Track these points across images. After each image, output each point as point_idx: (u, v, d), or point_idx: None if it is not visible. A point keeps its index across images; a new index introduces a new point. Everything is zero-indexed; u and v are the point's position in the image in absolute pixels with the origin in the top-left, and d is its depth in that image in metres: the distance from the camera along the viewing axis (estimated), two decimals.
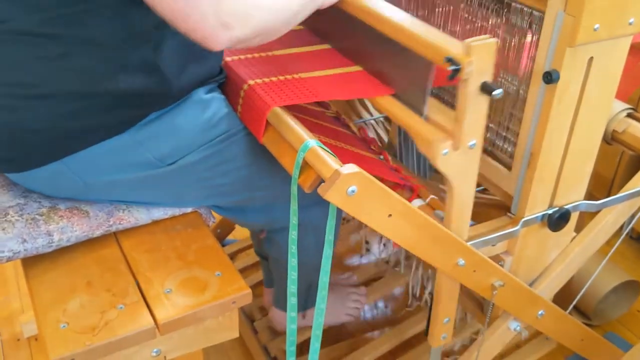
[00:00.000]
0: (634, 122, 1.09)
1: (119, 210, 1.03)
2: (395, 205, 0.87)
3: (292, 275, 0.96)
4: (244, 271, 1.69)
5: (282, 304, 1.41)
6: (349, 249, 1.80)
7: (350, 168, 0.81)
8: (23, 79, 0.91)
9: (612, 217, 1.09)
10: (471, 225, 1.02)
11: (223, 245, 1.80)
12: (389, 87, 0.99)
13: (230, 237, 1.83)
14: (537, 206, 1.02)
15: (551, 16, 0.86)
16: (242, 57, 1.12)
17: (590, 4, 0.82)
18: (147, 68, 0.93)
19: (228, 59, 1.11)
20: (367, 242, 1.71)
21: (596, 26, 0.84)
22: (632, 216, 1.13)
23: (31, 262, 0.98)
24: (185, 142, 1.00)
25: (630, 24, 0.88)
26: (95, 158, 0.96)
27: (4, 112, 0.92)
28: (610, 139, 1.10)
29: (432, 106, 0.91)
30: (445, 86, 0.95)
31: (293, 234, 0.93)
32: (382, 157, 1.20)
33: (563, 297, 1.23)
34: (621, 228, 1.14)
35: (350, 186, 0.81)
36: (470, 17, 1.02)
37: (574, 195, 1.06)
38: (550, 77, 0.87)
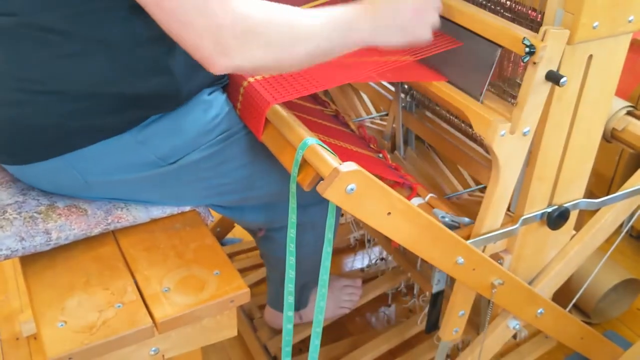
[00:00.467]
0: (633, 120, 1.08)
1: (118, 209, 1.03)
2: (394, 203, 0.87)
3: (290, 273, 0.95)
4: (243, 271, 1.69)
5: (276, 304, 1.41)
6: (349, 248, 1.80)
7: (349, 166, 0.81)
8: (33, 74, 0.90)
9: (611, 215, 1.09)
10: (470, 224, 1.02)
11: (223, 244, 1.80)
12: (443, 76, 1.00)
13: (229, 235, 1.83)
14: (536, 204, 1.02)
15: (550, 13, 0.85)
16: None
17: (590, 2, 0.82)
18: (159, 71, 0.93)
19: None
20: (369, 241, 1.71)
21: (595, 24, 0.84)
22: (632, 214, 1.12)
23: (29, 261, 0.98)
24: (187, 141, 1.00)
25: (629, 21, 0.88)
26: (97, 156, 0.96)
27: (11, 105, 0.92)
28: (610, 136, 1.10)
29: (485, 96, 0.94)
30: (503, 80, 0.97)
31: (292, 232, 0.93)
32: (381, 155, 1.19)
33: (563, 296, 1.23)
34: (621, 226, 1.14)
35: (349, 184, 0.81)
36: None
37: (573, 194, 1.05)
38: (550, 75, 0.87)
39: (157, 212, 1.06)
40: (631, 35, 0.91)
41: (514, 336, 1.22)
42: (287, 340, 0.99)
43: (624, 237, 1.21)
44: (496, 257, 1.06)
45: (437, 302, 1.17)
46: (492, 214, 0.98)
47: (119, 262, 0.99)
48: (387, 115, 1.42)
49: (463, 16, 0.94)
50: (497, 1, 0.94)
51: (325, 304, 1.45)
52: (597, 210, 1.11)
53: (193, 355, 0.99)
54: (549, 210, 1.04)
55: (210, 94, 1.03)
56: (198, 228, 1.06)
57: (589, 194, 1.11)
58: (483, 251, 1.02)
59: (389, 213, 0.87)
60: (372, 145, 1.22)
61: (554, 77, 0.85)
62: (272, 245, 1.27)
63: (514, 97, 0.91)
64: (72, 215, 1.00)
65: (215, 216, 1.22)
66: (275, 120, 0.94)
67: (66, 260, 0.98)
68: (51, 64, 0.89)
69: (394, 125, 1.31)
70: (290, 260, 0.95)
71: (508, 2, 0.93)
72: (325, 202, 0.83)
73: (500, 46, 0.90)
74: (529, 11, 0.90)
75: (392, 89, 1.32)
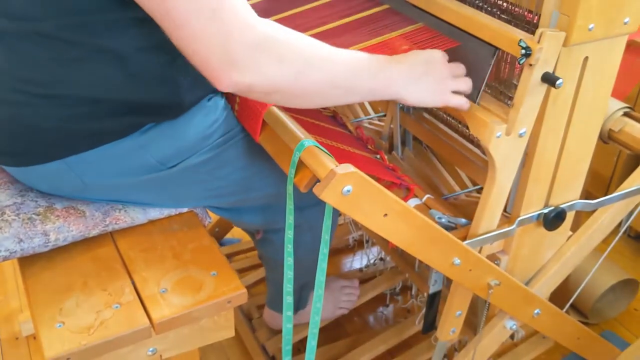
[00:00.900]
0: (630, 121, 1.08)
1: (116, 210, 1.04)
2: (391, 205, 0.87)
3: (289, 274, 0.96)
4: (241, 272, 1.69)
5: (275, 305, 1.41)
6: (347, 248, 1.80)
7: (346, 168, 0.81)
8: (37, 77, 0.90)
9: (608, 216, 1.09)
10: (466, 224, 1.03)
11: (221, 245, 1.80)
12: None
13: (228, 236, 1.84)
14: (532, 205, 1.02)
15: (546, 16, 0.86)
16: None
17: (585, 4, 0.82)
18: (163, 81, 0.93)
19: None
20: (367, 242, 1.71)
21: (591, 26, 0.85)
22: (630, 214, 1.13)
23: (28, 262, 0.98)
24: (186, 146, 1.00)
25: (625, 23, 0.88)
26: (97, 160, 0.96)
27: (13, 106, 0.92)
28: (607, 138, 1.10)
29: (482, 97, 0.95)
30: (499, 81, 0.97)
31: (289, 234, 0.93)
32: (378, 156, 1.20)
33: (560, 296, 1.23)
34: (619, 226, 1.14)
35: (346, 186, 0.82)
36: None
37: (569, 195, 1.06)
38: (545, 77, 0.87)
39: (155, 213, 1.06)
40: (627, 37, 0.92)
41: (511, 336, 1.22)
42: (287, 340, 1.00)
43: (622, 237, 1.21)
44: (493, 257, 1.06)
45: (434, 302, 1.17)
46: (489, 215, 0.99)
47: (117, 263, 0.99)
48: (384, 116, 1.42)
49: (459, 17, 0.95)
50: (493, 3, 0.95)
51: (324, 305, 1.46)
52: (594, 211, 1.11)
53: (190, 355, 1.00)
54: (546, 211, 1.04)
55: (209, 100, 1.03)
56: (196, 229, 1.06)
57: (587, 194, 1.11)
58: (479, 252, 1.02)
59: (386, 214, 0.87)
60: (369, 146, 1.23)
61: (550, 79, 0.86)
62: (270, 247, 1.27)
63: (511, 99, 0.92)
64: (70, 216, 1.00)
65: (213, 217, 1.22)
66: (273, 122, 0.95)
67: (64, 261, 0.99)
68: (54, 67, 0.89)
69: (391, 126, 1.31)
70: (289, 261, 0.95)
71: (504, 4, 0.93)
72: (322, 203, 0.84)
73: (496, 48, 0.90)
74: (525, 13, 0.91)
75: None
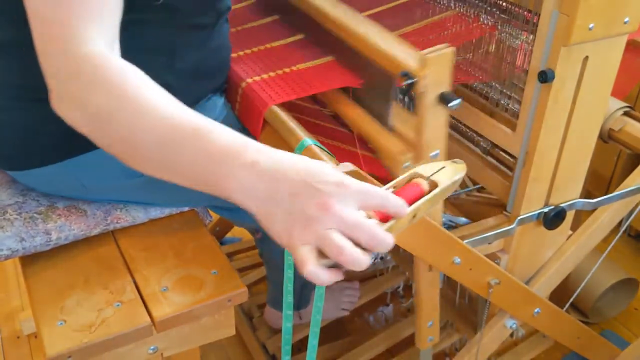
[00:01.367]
0: (630, 121, 1.09)
1: (117, 209, 1.04)
2: None
3: (289, 273, 0.96)
4: (242, 271, 1.70)
5: (276, 304, 1.42)
6: None
7: (346, 167, 0.82)
8: (33, 84, 0.90)
9: (608, 215, 1.10)
10: (467, 224, 1.03)
11: (222, 244, 1.80)
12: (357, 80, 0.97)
13: (229, 235, 1.84)
14: (532, 205, 1.03)
15: (546, 15, 0.86)
16: (241, 53, 1.12)
17: (585, 3, 0.82)
18: (158, 82, 0.93)
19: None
20: None
21: (591, 25, 0.85)
22: (630, 213, 1.13)
23: (29, 260, 0.99)
24: None
25: (625, 23, 0.88)
26: (96, 162, 0.96)
27: (11, 112, 0.92)
28: (607, 137, 1.10)
29: (399, 115, 0.88)
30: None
31: None
32: None
33: (560, 295, 1.23)
34: (619, 225, 1.14)
35: None
36: (464, 18, 1.03)
37: (569, 194, 1.06)
38: (545, 77, 0.87)
39: (156, 212, 1.06)
40: (627, 36, 0.92)
41: (511, 335, 1.22)
42: (287, 339, 1.00)
43: (622, 236, 1.22)
44: (493, 256, 1.07)
45: None
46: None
47: (118, 261, 0.99)
48: None
49: (352, 37, 0.90)
50: (493, 2, 0.95)
51: (325, 306, 1.46)
52: (594, 210, 1.11)
53: (191, 353, 1.00)
54: (546, 210, 1.04)
55: (208, 100, 1.03)
56: (196, 228, 1.07)
57: (588, 193, 1.11)
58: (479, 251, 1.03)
59: None
60: (370, 145, 1.23)
61: (445, 100, 0.80)
62: (269, 246, 1.27)
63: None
64: (71, 215, 1.00)
65: (214, 216, 1.22)
66: (273, 121, 0.95)
67: (66, 260, 0.99)
68: None
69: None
70: (289, 259, 0.95)
71: (504, 4, 0.94)
72: None
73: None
74: (525, 13, 0.91)
75: None
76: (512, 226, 1.02)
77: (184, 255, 1.01)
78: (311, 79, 1.01)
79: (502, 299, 1.09)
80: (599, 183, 1.76)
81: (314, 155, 0.85)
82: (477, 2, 0.96)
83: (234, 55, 1.11)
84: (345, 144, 1.13)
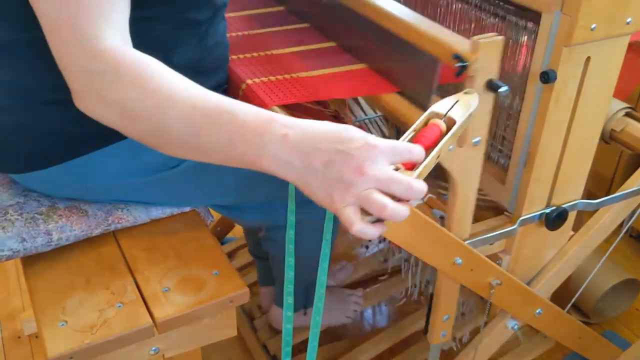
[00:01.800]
0: (632, 121, 1.09)
1: (118, 210, 1.04)
2: None
3: (289, 274, 0.96)
4: (243, 269, 1.69)
5: (282, 302, 1.41)
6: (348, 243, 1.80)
7: None
8: (38, 84, 0.90)
9: (609, 216, 1.09)
10: None
11: (223, 243, 1.80)
12: (393, 85, 0.99)
13: (230, 235, 1.84)
14: (534, 205, 1.03)
15: (548, 16, 0.86)
16: (242, 56, 1.12)
17: (587, 4, 0.82)
18: None
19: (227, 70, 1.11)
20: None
21: (593, 26, 0.84)
22: (632, 214, 1.13)
23: (30, 261, 0.99)
24: None
25: (627, 23, 0.88)
26: (98, 163, 0.96)
27: (12, 113, 0.92)
28: (609, 138, 1.10)
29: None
30: (452, 83, 0.95)
31: (290, 233, 0.93)
32: None
33: (562, 296, 1.23)
34: (620, 226, 1.14)
35: None
36: (466, 18, 1.02)
37: (571, 195, 1.06)
38: (547, 77, 0.87)
39: (157, 212, 1.06)
40: (629, 37, 0.92)
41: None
42: (287, 341, 1.00)
43: (623, 237, 1.22)
44: (494, 257, 1.07)
45: None
46: (458, 225, 0.97)
47: (119, 262, 0.99)
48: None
49: (397, 26, 0.91)
50: (496, 2, 0.94)
51: (332, 311, 1.47)
52: (596, 211, 1.11)
53: (193, 354, 1.00)
54: (547, 211, 1.04)
55: None
56: (198, 228, 1.07)
57: (589, 194, 1.11)
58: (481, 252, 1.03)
59: None
60: None
61: (493, 87, 0.82)
62: (273, 245, 1.27)
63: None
64: (72, 216, 1.00)
65: (215, 216, 1.22)
66: None
67: (67, 260, 0.99)
68: (54, 74, 0.89)
69: (387, 127, 1.31)
70: (290, 260, 0.95)
71: (506, 5, 0.93)
72: None
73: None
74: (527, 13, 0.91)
75: None
76: (513, 227, 1.02)
77: (185, 256, 1.01)
78: (315, 86, 1.01)
79: (503, 299, 1.09)
80: (600, 183, 1.76)
81: None
82: (479, 2, 0.96)
83: (234, 57, 1.11)
84: None
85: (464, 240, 0.98)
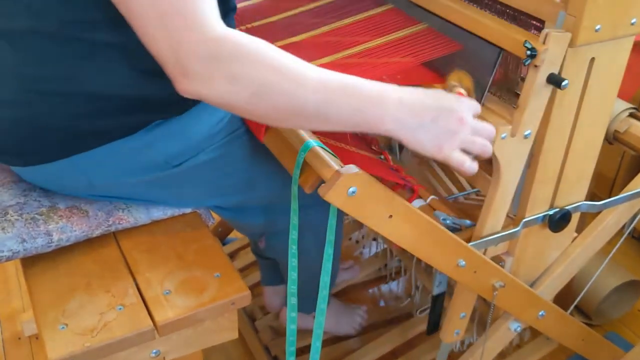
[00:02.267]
0: (635, 122, 1.08)
1: (119, 210, 1.03)
2: (395, 206, 0.87)
3: (292, 275, 0.95)
4: (244, 270, 1.69)
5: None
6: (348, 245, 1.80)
7: (351, 169, 0.81)
8: (47, 74, 0.89)
9: (613, 217, 1.09)
10: (471, 226, 1.02)
11: (224, 244, 1.80)
12: (442, 77, 0.98)
13: (231, 235, 1.83)
14: (537, 207, 1.02)
15: (552, 17, 0.85)
16: None
17: (592, 4, 0.81)
18: (167, 78, 0.93)
19: None
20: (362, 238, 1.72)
21: (598, 27, 0.84)
22: (635, 216, 1.12)
23: (30, 262, 0.98)
24: (192, 144, 1.00)
25: (632, 24, 0.88)
26: (103, 158, 0.95)
27: (21, 106, 0.92)
28: (612, 139, 1.10)
29: (487, 99, 0.94)
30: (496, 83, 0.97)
31: (293, 234, 0.93)
32: (382, 157, 1.19)
33: (564, 297, 1.22)
34: (623, 227, 1.14)
35: (351, 187, 0.81)
36: None
37: (575, 196, 1.05)
38: (554, 79, 0.87)
39: (158, 213, 1.06)
40: (634, 37, 0.91)
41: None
42: (291, 341, 0.99)
43: (626, 238, 1.21)
44: (497, 259, 1.06)
45: (438, 304, 1.17)
46: (493, 217, 0.98)
47: (120, 263, 0.99)
48: None
49: (464, 18, 0.94)
50: (502, 2, 0.94)
51: (340, 319, 1.47)
52: (599, 212, 1.11)
53: (194, 357, 1.00)
54: (551, 212, 1.03)
55: None
56: (199, 229, 1.06)
57: (592, 195, 1.10)
58: (484, 253, 1.02)
59: (391, 216, 0.87)
60: (374, 147, 1.22)
61: (555, 80, 0.85)
62: (276, 252, 1.27)
63: (517, 99, 0.91)
64: (73, 216, 1.00)
65: (216, 217, 1.22)
66: None
67: (67, 261, 0.99)
68: (64, 64, 0.88)
69: None
70: (292, 262, 0.95)
71: (510, 5, 0.93)
72: (326, 202, 0.83)
73: (501, 49, 0.90)
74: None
75: None
76: (517, 229, 1.02)
77: (186, 258, 1.00)
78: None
79: (506, 301, 1.08)
80: (602, 184, 1.75)
81: (318, 158, 0.84)
82: (486, 1, 0.96)
83: None
84: (348, 145, 1.12)
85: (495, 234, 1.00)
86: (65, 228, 0.98)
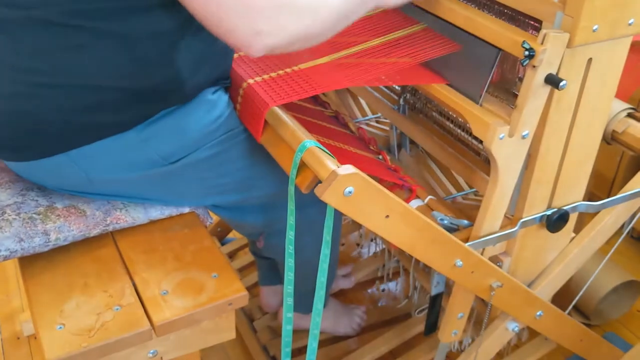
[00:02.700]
0: (634, 122, 1.08)
1: (116, 210, 1.03)
2: (392, 206, 0.87)
3: (289, 275, 0.95)
4: (243, 270, 1.69)
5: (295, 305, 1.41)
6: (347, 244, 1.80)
7: (347, 169, 0.81)
8: (40, 66, 0.90)
9: (611, 218, 1.09)
10: (469, 226, 1.02)
11: (223, 244, 1.80)
12: (439, 77, 1.00)
13: (230, 235, 1.83)
14: (535, 207, 1.02)
15: (550, 17, 0.85)
16: (242, 53, 1.11)
17: (590, 5, 0.81)
18: (164, 66, 0.93)
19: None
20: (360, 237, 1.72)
21: (595, 27, 0.84)
22: (633, 216, 1.12)
23: (28, 262, 0.98)
24: (189, 141, 1.00)
25: (630, 24, 0.88)
26: (101, 153, 0.96)
27: (16, 100, 0.92)
28: (610, 139, 1.10)
29: (485, 99, 0.94)
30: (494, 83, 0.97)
31: (290, 234, 0.93)
32: (380, 157, 1.19)
33: (563, 297, 1.22)
34: (622, 227, 1.14)
35: (347, 187, 0.81)
36: None
37: (572, 196, 1.05)
38: (552, 79, 0.87)
39: (156, 213, 1.06)
40: (631, 38, 0.91)
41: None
42: (287, 342, 0.99)
43: (625, 238, 1.21)
44: (495, 259, 1.06)
45: (436, 304, 1.17)
46: (491, 216, 0.98)
47: (118, 264, 0.99)
48: (380, 117, 1.43)
49: (462, 18, 0.94)
50: (499, 2, 0.94)
51: (339, 319, 1.47)
52: (597, 212, 1.10)
53: (192, 357, 0.99)
54: (548, 213, 1.03)
55: (214, 93, 1.03)
56: (197, 230, 1.06)
57: (590, 194, 1.10)
58: (482, 254, 1.02)
59: (387, 216, 0.87)
60: (371, 147, 1.22)
61: (553, 81, 0.85)
62: (275, 252, 1.27)
63: (515, 99, 0.91)
64: (71, 216, 1.00)
65: (214, 217, 1.22)
66: (274, 123, 0.94)
67: (65, 261, 0.98)
68: (58, 55, 0.88)
69: (387, 128, 1.31)
70: (289, 262, 0.95)
71: (507, 5, 0.93)
72: (324, 202, 0.83)
73: (499, 49, 0.90)
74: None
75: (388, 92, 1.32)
76: (514, 229, 1.02)
77: (184, 258, 1.00)
78: (315, 79, 1.00)
79: (504, 301, 1.08)
80: (601, 184, 1.75)
81: (315, 158, 0.84)
82: (483, 2, 0.96)
83: (235, 55, 1.10)
84: (346, 145, 1.12)
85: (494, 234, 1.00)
86: (63, 227, 0.98)
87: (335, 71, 1.01)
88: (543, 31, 0.83)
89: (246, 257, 1.72)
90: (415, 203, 1.09)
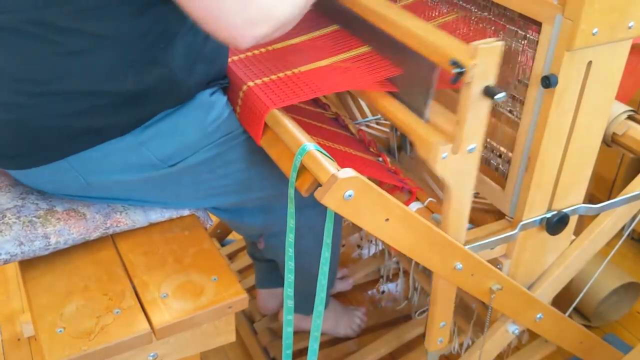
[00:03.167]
0: (634, 125, 1.08)
1: (116, 213, 1.03)
2: (392, 209, 0.87)
3: (289, 278, 0.95)
4: (244, 271, 1.69)
5: (298, 307, 1.41)
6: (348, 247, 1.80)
7: (347, 172, 0.81)
8: (36, 75, 0.90)
9: (611, 220, 1.09)
10: (469, 229, 1.02)
11: (223, 245, 1.80)
12: (393, 85, 0.98)
13: (230, 237, 1.83)
14: (535, 210, 1.02)
15: (549, 20, 0.85)
16: (242, 56, 1.11)
17: (589, 8, 0.81)
18: (158, 67, 0.93)
19: (228, 59, 1.10)
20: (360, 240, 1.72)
21: (595, 30, 0.84)
22: (633, 218, 1.12)
23: (28, 265, 0.98)
24: (188, 143, 1.00)
25: (629, 27, 0.87)
26: (99, 158, 0.96)
27: (12, 109, 0.92)
28: (611, 141, 1.10)
29: (434, 109, 0.90)
30: (451, 89, 0.95)
31: (290, 237, 0.93)
32: (380, 159, 1.19)
33: (563, 299, 1.22)
34: (622, 229, 1.13)
35: (347, 191, 0.81)
36: (469, 22, 1.02)
37: (572, 199, 1.05)
38: (548, 82, 0.86)
39: (156, 215, 1.06)
40: (631, 41, 0.91)
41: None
42: (288, 344, 0.99)
43: (625, 240, 1.21)
44: (495, 262, 1.06)
45: None
46: (454, 230, 0.96)
47: (118, 267, 0.99)
48: (379, 118, 1.43)
49: (398, 30, 0.92)
50: (496, 6, 0.94)
51: (339, 321, 1.47)
52: (597, 215, 1.10)
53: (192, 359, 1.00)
54: (548, 215, 1.03)
55: (212, 94, 1.03)
56: (197, 232, 1.06)
57: (591, 196, 1.10)
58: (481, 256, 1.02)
59: (387, 219, 0.87)
60: (371, 149, 1.22)
61: (490, 93, 0.81)
62: (276, 253, 1.27)
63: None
64: (71, 219, 1.00)
65: (215, 219, 1.22)
66: (274, 125, 0.94)
67: (65, 265, 0.99)
68: (52, 63, 0.88)
69: (387, 129, 1.31)
70: (289, 264, 0.95)
71: (507, 8, 0.93)
72: (323, 205, 0.83)
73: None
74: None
75: None
76: (514, 232, 1.02)
77: (184, 261, 1.00)
78: (316, 81, 1.00)
79: (504, 304, 1.08)
80: (601, 186, 1.74)
81: (315, 161, 0.84)
82: (481, 3, 0.95)
83: (235, 58, 1.10)
84: (346, 147, 1.12)
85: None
86: (63, 231, 0.98)
87: (335, 74, 1.01)
88: (473, 44, 0.78)
89: (246, 259, 1.72)
90: (415, 205, 1.09)
